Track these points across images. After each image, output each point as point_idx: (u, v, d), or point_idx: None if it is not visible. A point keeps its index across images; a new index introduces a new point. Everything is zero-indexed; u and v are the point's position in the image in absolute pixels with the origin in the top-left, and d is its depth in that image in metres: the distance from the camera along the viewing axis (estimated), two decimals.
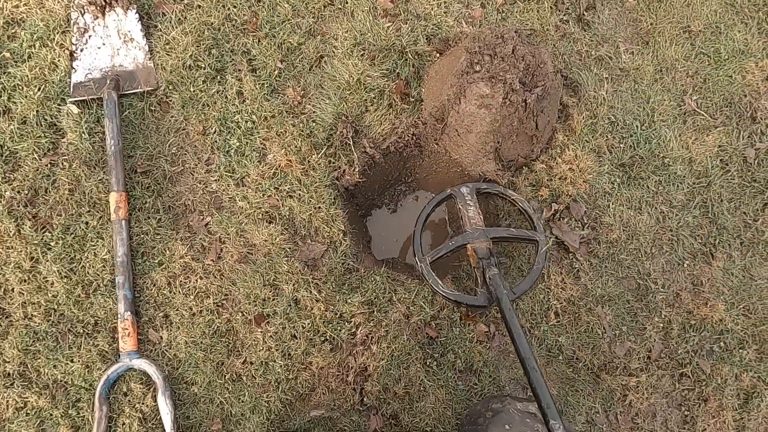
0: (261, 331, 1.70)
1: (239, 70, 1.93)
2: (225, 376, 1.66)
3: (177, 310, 1.70)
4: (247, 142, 1.86)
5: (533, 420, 1.37)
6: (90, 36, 1.91)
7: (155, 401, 1.61)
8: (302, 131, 1.88)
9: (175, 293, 1.72)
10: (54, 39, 1.90)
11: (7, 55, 1.87)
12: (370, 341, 1.72)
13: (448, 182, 2.03)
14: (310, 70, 1.96)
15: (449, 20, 2.00)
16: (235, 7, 1.98)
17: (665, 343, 1.79)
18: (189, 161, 1.85)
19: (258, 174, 1.83)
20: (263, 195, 1.82)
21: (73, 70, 1.88)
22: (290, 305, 1.73)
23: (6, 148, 1.79)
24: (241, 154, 1.85)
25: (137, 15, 1.92)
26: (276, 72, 1.93)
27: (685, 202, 1.90)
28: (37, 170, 1.78)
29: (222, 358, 1.68)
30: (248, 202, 1.81)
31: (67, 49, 1.89)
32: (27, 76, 1.85)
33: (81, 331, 1.67)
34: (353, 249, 1.83)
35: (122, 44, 1.91)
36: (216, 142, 1.86)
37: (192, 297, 1.71)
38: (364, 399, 1.68)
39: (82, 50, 1.90)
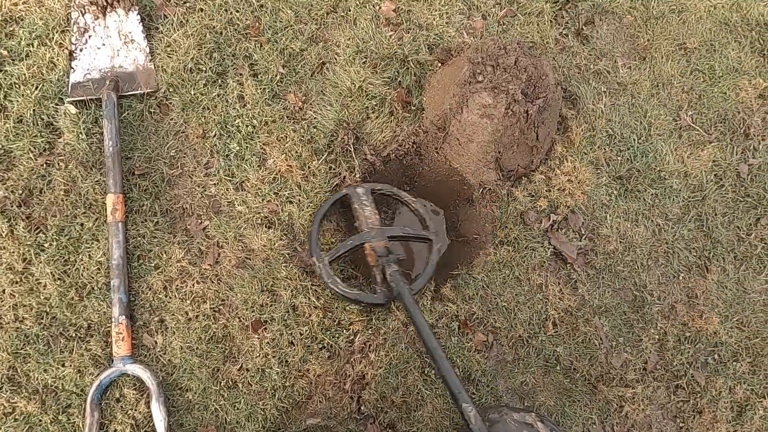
0: (258, 338, 1.68)
1: (240, 74, 1.92)
2: (220, 382, 1.64)
3: (173, 314, 1.68)
4: (247, 147, 1.85)
5: (530, 430, 1.37)
6: (90, 36, 1.89)
7: (148, 408, 1.58)
8: (303, 137, 1.87)
9: (171, 297, 1.69)
10: (53, 38, 1.88)
11: (4, 52, 1.85)
12: (368, 349, 1.71)
13: (448, 191, 2.04)
14: (311, 76, 1.96)
15: (451, 30, 2.02)
16: (237, 11, 1.98)
17: (661, 355, 1.80)
18: (188, 164, 1.83)
19: (257, 178, 1.82)
20: (262, 200, 1.80)
21: (72, 70, 1.86)
22: (288, 312, 1.71)
23: (1, 146, 1.76)
24: (241, 158, 1.84)
25: (139, 16, 1.91)
26: (277, 77, 1.93)
27: (681, 215, 1.93)
28: (32, 170, 1.75)
29: (218, 365, 1.65)
30: (247, 207, 1.79)
31: (66, 48, 1.87)
32: (24, 74, 1.82)
33: (73, 334, 1.63)
34: (351, 256, 1.83)
35: (122, 45, 1.90)
36: (216, 145, 1.85)
37: (188, 302, 1.69)
38: (362, 407, 1.66)
39: (81, 50, 1.88)
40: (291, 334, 1.69)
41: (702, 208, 1.95)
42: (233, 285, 1.72)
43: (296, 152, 1.85)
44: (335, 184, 1.85)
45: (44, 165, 1.76)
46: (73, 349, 1.62)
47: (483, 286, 1.81)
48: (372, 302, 1.67)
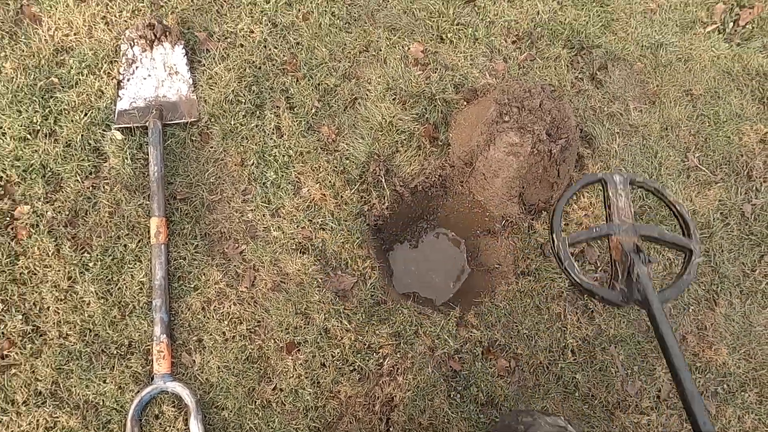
0: (292, 359, 1.75)
1: (278, 106, 2.03)
2: (255, 401, 1.70)
3: (210, 334, 1.74)
4: (283, 175, 1.95)
5: None
6: (137, 67, 2.00)
7: (186, 425, 1.63)
8: (336, 167, 1.98)
9: (209, 318, 1.76)
10: (102, 67, 1.99)
11: (55, 80, 1.95)
12: (397, 372, 1.78)
13: (469, 222, 2.14)
14: (344, 110, 2.07)
15: (474, 72, 2.16)
16: (275, 48, 2.10)
17: (673, 384, 1.89)
18: (226, 190, 1.92)
19: (293, 206, 1.91)
20: (297, 226, 1.89)
21: (119, 98, 1.96)
22: (321, 334, 1.78)
23: (50, 169, 1.84)
24: (277, 186, 1.93)
25: (184, 50, 2.02)
26: (312, 110, 2.04)
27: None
28: (79, 192, 1.83)
29: (253, 384, 1.71)
30: (282, 233, 1.88)
31: (114, 78, 1.98)
32: (74, 101, 1.92)
33: (115, 352, 1.69)
34: (380, 282, 1.91)
35: (167, 76, 2.01)
36: (253, 173, 1.94)
37: (225, 322, 1.76)
38: (390, 429, 1.73)
39: (128, 80, 1.98)
40: (323, 356, 1.76)
41: (710, 245, 2.06)
42: (269, 307, 1.79)
43: (330, 182, 1.94)
44: (365, 212, 1.94)
45: (90, 188, 1.85)
46: (114, 366, 1.67)
47: (505, 314, 1.89)
48: (607, 298, 1.49)
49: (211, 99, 2.00)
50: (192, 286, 1.79)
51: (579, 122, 2.12)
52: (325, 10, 2.18)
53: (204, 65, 2.05)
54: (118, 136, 1.91)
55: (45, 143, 1.86)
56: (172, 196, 1.88)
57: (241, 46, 2.09)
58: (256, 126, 2.00)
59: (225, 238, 1.88)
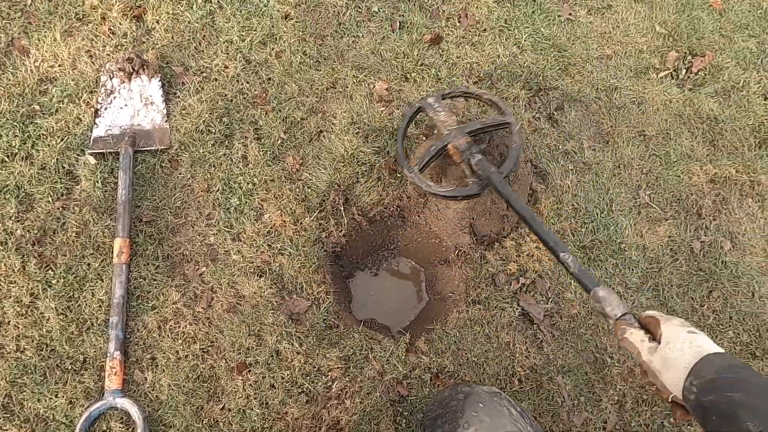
0: (242, 379, 1.79)
1: (246, 137, 2.14)
2: (203, 420, 1.74)
3: (164, 353, 1.80)
4: (246, 202, 2.04)
5: (500, 398, 1.47)
6: (115, 97, 2.13)
7: None
8: (297, 195, 2.07)
9: (164, 337, 1.82)
10: (82, 97, 2.11)
11: (37, 107, 2.07)
12: (345, 395, 1.82)
13: (428, 252, 2.22)
14: (309, 142, 2.18)
15: None
16: (248, 82, 2.24)
17: (619, 416, 1.92)
18: (191, 215, 2.01)
19: (253, 231, 2.00)
20: (256, 250, 1.97)
21: (95, 126, 2.07)
22: (272, 356, 1.83)
23: (23, 190, 1.94)
24: (240, 212, 2.02)
25: (160, 82, 2.15)
26: (279, 141, 2.15)
27: (639, 284, 2.10)
28: (49, 213, 1.92)
29: (202, 403, 1.75)
30: (242, 256, 1.96)
31: (93, 106, 2.10)
32: (52, 127, 2.04)
33: (69, 367, 1.74)
34: (335, 307, 1.97)
35: (143, 106, 2.13)
36: (218, 199, 2.04)
37: (180, 341, 1.81)
38: None
39: (106, 109, 2.11)
40: (273, 377, 1.81)
41: (658, 279, 2.12)
42: (223, 328, 1.85)
43: (290, 209, 2.03)
44: (323, 238, 2.02)
45: (60, 208, 1.94)
46: (67, 381, 1.72)
47: (455, 341, 1.94)
48: (469, 194, 1.74)
49: (182, 128, 2.12)
50: (150, 305, 1.85)
51: (533, 158, 2.22)
52: (297, 49, 2.33)
53: (179, 97, 2.18)
54: (92, 160, 2.02)
55: (21, 165, 1.97)
56: (138, 218, 1.97)
57: (215, 80, 2.23)
58: (224, 154, 2.11)
59: (186, 260, 1.95)
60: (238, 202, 2.03)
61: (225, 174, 2.07)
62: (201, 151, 2.09)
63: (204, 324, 1.85)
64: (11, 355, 1.73)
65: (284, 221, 2.02)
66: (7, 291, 1.80)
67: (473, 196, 1.77)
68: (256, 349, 1.84)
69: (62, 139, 2.03)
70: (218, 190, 2.05)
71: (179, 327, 1.84)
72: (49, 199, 1.94)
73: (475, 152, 1.74)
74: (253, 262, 1.96)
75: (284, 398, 1.79)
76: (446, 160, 1.91)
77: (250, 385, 1.79)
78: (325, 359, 1.85)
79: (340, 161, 2.14)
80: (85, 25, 2.26)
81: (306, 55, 2.33)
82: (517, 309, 2.00)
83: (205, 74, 2.24)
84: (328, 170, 2.12)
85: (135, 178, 2.02)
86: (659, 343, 1.07)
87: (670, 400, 1.09)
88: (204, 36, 2.30)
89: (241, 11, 2.37)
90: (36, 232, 1.89)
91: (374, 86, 2.30)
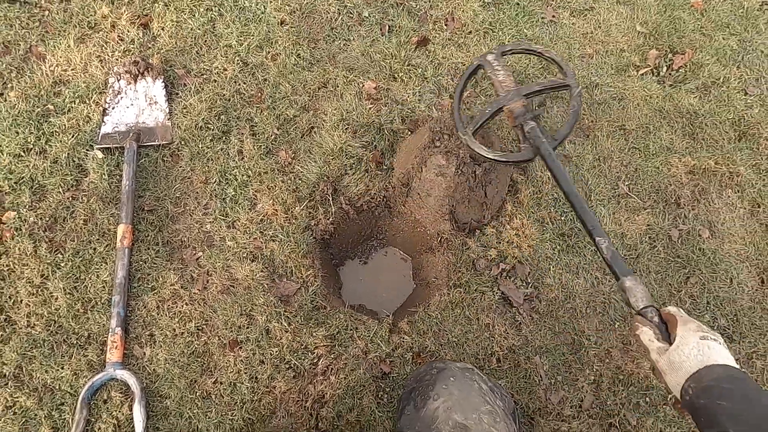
0: (233, 355, 1.91)
1: (242, 133, 2.29)
2: (196, 392, 1.85)
3: (162, 330, 1.93)
4: (241, 192, 2.18)
5: (471, 373, 1.56)
6: (122, 97, 2.30)
7: (131, 411, 1.79)
8: (289, 186, 2.20)
9: (162, 315, 1.95)
10: (91, 97, 2.29)
11: (51, 107, 2.25)
12: (330, 372, 1.93)
13: (414, 241, 2.32)
14: (301, 137, 2.32)
15: (421, 106, 2.40)
16: (244, 83, 2.39)
17: (596, 395, 1.98)
18: (190, 204, 2.16)
19: (247, 219, 2.13)
20: (250, 237, 2.10)
21: (103, 123, 2.24)
22: (262, 334, 1.95)
23: (37, 181, 2.11)
24: (235, 201, 2.16)
25: (163, 84, 2.32)
26: (272, 137, 2.29)
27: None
28: (60, 202, 2.08)
29: (195, 377, 1.88)
30: (236, 242, 2.09)
31: (101, 106, 2.27)
32: (65, 125, 2.21)
33: (75, 342, 1.88)
34: (323, 290, 2.09)
35: (147, 106, 2.30)
36: (215, 190, 2.18)
37: (176, 320, 1.95)
38: (319, 424, 1.85)
39: (113, 108, 2.28)
40: (263, 354, 1.93)
41: (636, 266, 2.19)
42: (216, 308, 1.98)
43: (282, 199, 2.17)
44: (312, 226, 2.15)
45: (70, 198, 2.10)
46: (72, 354, 1.86)
47: (437, 323, 2.04)
48: (520, 159, 1.70)
49: (183, 125, 2.27)
50: (150, 286, 1.99)
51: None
52: (292, 52, 2.48)
53: (180, 97, 2.34)
54: (99, 155, 2.18)
55: (35, 159, 2.14)
56: (140, 207, 2.12)
57: (215, 81, 2.39)
58: (221, 149, 2.25)
59: (184, 246, 2.09)
60: (233, 193, 2.17)
61: (222, 167, 2.22)
62: (200, 146, 2.25)
63: (199, 304, 1.98)
64: (23, 331, 1.87)
65: (276, 210, 2.15)
66: (21, 272, 1.96)
67: (525, 161, 1.73)
68: (248, 328, 1.96)
69: (73, 136, 2.20)
70: (215, 181, 2.20)
71: (176, 306, 1.97)
72: (60, 189, 2.10)
73: (528, 118, 1.68)
74: (246, 248, 2.09)
75: (273, 373, 1.90)
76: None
77: (241, 360, 1.91)
78: (312, 337, 1.96)
79: (329, 155, 2.27)
80: (97, 33, 2.44)
81: (300, 57, 2.48)
82: (497, 293, 2.09)
83: (205, 76, 2.40)
84: (318, 163, 2.25)
85: (139, 170, 2.18)
86: (671, 343, 1.11)
87: (671, 398, 1.17)
88: (205, 41, 2.47)
89: (240, 18, 2.54)
90: (47, 219, 2.05)
91: (363, 85, 2.43)
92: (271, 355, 1.92)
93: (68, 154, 2.17)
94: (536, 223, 2.22)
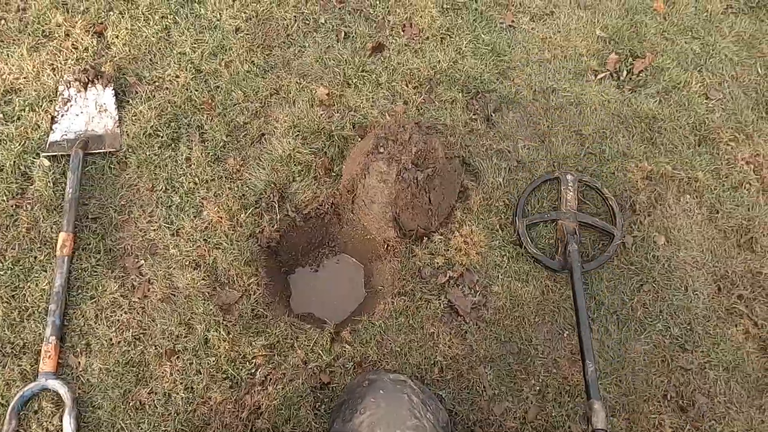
0: (170, 365, 1.89)
1: (191, 140, 2.28)
2: (129, 403, 1.83)
3: (98, 339, 1.91)
4: (187, 200, 2.17)
5: (402, 385, 1.56)
6: (71, 105, 2.30)
7: (61, 421, 1.77)
8: (236, 194, 2.19)
9: (99, 324, 1.93)
10: (41, 105, 2.29)
11: (0, 116, 2.25)
12: (268, 382, 1.90)
13: (365, 249, 2.29)
14: (251, 144, 2.31)
15: (374, 112, 2.38)
16: (196, 90, 2.39)
17: (541, 406, 1.94)
18: (134, 212, 2.14)
19: (192, 227, 2.11)
20: (193, 245, 2.09)
21: (52, 131, 2.24)
22: (200, 343, 1.93)
23: None
24: (181, 209, 2.15)
25: (113, 91, 2.32)
26: (222, 144, 2.28)
27: (568, 278, 2.13)
28: (3, 210, 2.08)
29: (130, 387, 1.85)
30: (179, 250, 2.07)
31: (50, 114, 2.27)
32: (12, 133, 2.22)
33: (9, 351, 1.87)
34: (266, 299, 2.06)
35: (97, 113, 2.29)
36: (161, 198, 2.17)
37: (114, 329, 1.93)
38: None
39: (62, 116, 2.28)
40: (200, 363, 1.90)
41: (589, 273, 2.15)
42: (155, 317, 1.96)
43: (228, 206, 2.15)
44: (257, 233, 2.13)
45: (14, 206, 2.09)
46: (6, 364, 1.85)
47: (380, 332, 2.00)
48: (548, 265, 2.10)
49: (132, 133, 2.27)
50: (89, 294, 1.98)
51: (465, 156, 2.30)
52: (246, 59, 2.48)
53: (131, 104, 2.34)
54: (46, 163, 2.18)
55: None
56: (84, 215, 2.11)
57: (167, 89, 2.38)
58: (169, 156, 2.24)
59: (127, 254, 2.08)
60: (179, 200, 2.16)
61: (169, 174, 2.21)
62: (148, 153, 2.24)
63: (138, 313, 1.96)
64: None
65: (221, 217, 2.13)
66: None
67: (552, 270, 2.12)
68: (186, 337, 1.93)
69: (20, 144, 2.20)
70: (161, 189, 2.18)
71: (115, 315, 1.95)
72: (4, 197, 2.10)
73: (575, 241, 2.08)
74: (189, 256, 2.07)
75: (209, 383, 1.87)
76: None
77: (177, 370, 1.88)
78: (251, 347, 1.93)
79: (278, 161, 2.25)
80: (51, 41, 2.45)
81: (253, 64, 2.48)
82: (443, 301, 2.06)
83: (157, 83, 2.40)
84: (266, 170, 2.24)
85: (85, 178, 2.17)
86: None
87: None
88: (159, 49, 2.48)
89: (195, 25, 2.54)
90: None
91: (316, 92, 2.42)
92: (208, 364, 1.90)
93: (14, 161, 2.17)
94: (486, 230, 2.18)
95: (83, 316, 1.94)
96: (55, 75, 2.37)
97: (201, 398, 1.86)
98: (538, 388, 1.96)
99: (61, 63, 2.40)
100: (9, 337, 1.88)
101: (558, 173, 2.25)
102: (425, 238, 2.16)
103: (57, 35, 2.46)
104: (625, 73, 2.60)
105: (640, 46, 2.66)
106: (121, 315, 1.95)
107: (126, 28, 2.49)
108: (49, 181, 2.14)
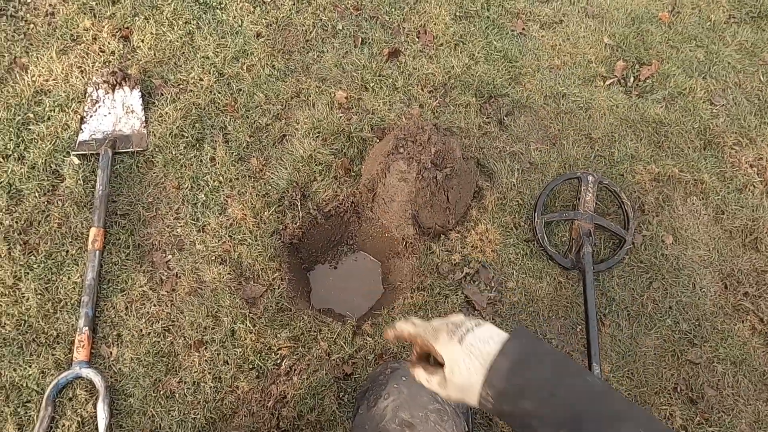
0: (198, 355, 1.95)
1: (215, 140, 2.36)
2: (160, 391, 1.89)
3: (129, 330, 1.98)
4: (212, 198, 2.24)
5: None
6: (100, 106, 2.38)
7: (95, 408, 1.83)
8: (259, 192, 2.26)
9: (130, 316, 2.00)
10: (71, 106, 2.37)
11: (31, 116, 2.33)
12: (293, 372, 1.96)
13: (383, 247, 2.37)
14: (273, 145, 2.39)
15: (391, 115, 2.47)
16: (219, 93, 2.47)
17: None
18: (162, 209, 2.22)
19: (217, 224, 2.19)
20: (219, 241, 2.16)
21: (81, 131, 2.32)
22: (227, 335, 2.00)
23: (14, 186, 2.18)
24: (206, 206, 2.22)
25: (140, 93, 2.40)
26: (245, 144, 2.36)
27: (579, 276, 2.21)
28: (36, 206, 2.15)
29: (160, 376, 1.92)
30: (205, 246, 2.15)
31: (80, 114, 2.35)
32: (43, 132, 2.29)
33: (44, 341, 1.93)
34: (290, 293, 2.13)
35: (124, 114, 2.37)
36: (186, 195, 2.24)
37: (144, 320, 1.99)
38: (280, 423, 1.88)
39: (91, 116, 2.36)
40: (227, 354, 1.97)
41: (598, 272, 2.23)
42: (184, 309, 2.03)
43: (252, 204, 2.22)
44: (280, 230, 2.20)
45: (46, 203, 2.17)
46: (41, 353, 1.91)
47: None
48: (560, 263, 2.18)
49: (158, 133, 2.35)
50: (119, 288, 2.05)
51: (480, 158, 2.39)
52: (267, 64, 2.56)
53: (157, 106, 2.42)
54: (76, 161, 2.25)
55: (13, 165, 2.21)
56: (113, 211, 2.18)
57: (191, 91, 2.47)
58: (194, 156, 2.32)
59: (155, 249, 2.15)
60: (204, 198, 2.24)
61: (194, 173, 2.28)
62: (174, 153, 2.32)
63: (167, 305, 2.03)
64: None
65: (245, 215, 2.20)
66: None
67: (563, 267, 2.20)
68: (213, 329, 2.00)
69: (51, 143, 2.28)
70: (187, 187, 2.26)
71: (144, 308, 2.02)
72: (37, 194, 2.17)
73: (589, 243, 2.14)
74: (215, 251, 2.14)
75: (236, 373, 1.94)
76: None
77: (206, 360, 1.95)
78: (276, 339, 2.00)
79: (299, 161, 2.33)
80: (79, 45, 2.54)
81: (274, 68, 2.56)
82: (460, 297, 2.13)
83: (181, 86, 2.48)
84: (288, 170, 2.31)
85: (113, 176, 2.24)
86: (443, 368, 0.94)
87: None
88: (183, 53, 2.56)
89: (217, 31, 2.63)
90: (23, 222, 2.12)
91: (335, 95, 2.51)
92: (235, 355, 1.96)
93: (45, 160, 2.24)
94: (500, 228, 2.26)
95: (114, 308, 2.01)
96: (83, 77, 2.45)
97: (229, 387, 1.92)
98: None
99: (89, 66, 2.48)
100: (43, 328, 1.95)
101: (579, 173, 2.31)
102: (442, 236, 2.24)
103: (85, 39, 2.55)
104: (632, 79, 2.70)
105: (647, 54, 2.76)
106: (151, 307, 2.02)
107: (151, 33, 2.58)
108: (79, 179, 2.21)
